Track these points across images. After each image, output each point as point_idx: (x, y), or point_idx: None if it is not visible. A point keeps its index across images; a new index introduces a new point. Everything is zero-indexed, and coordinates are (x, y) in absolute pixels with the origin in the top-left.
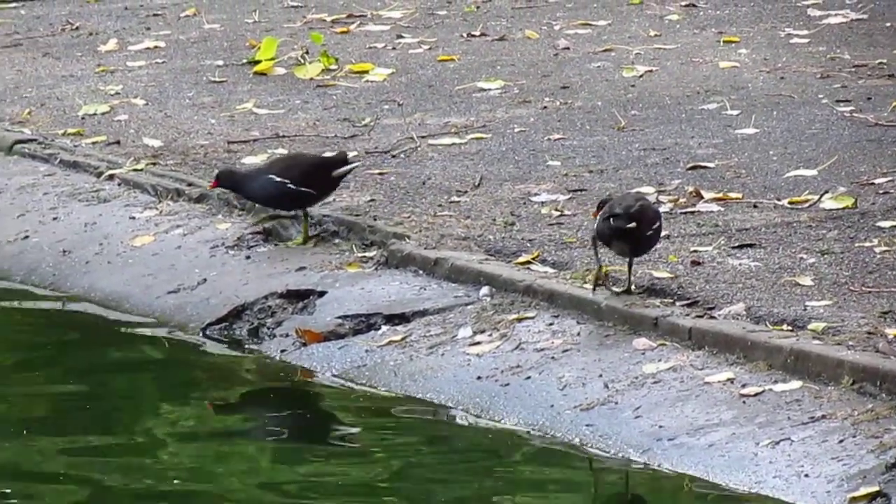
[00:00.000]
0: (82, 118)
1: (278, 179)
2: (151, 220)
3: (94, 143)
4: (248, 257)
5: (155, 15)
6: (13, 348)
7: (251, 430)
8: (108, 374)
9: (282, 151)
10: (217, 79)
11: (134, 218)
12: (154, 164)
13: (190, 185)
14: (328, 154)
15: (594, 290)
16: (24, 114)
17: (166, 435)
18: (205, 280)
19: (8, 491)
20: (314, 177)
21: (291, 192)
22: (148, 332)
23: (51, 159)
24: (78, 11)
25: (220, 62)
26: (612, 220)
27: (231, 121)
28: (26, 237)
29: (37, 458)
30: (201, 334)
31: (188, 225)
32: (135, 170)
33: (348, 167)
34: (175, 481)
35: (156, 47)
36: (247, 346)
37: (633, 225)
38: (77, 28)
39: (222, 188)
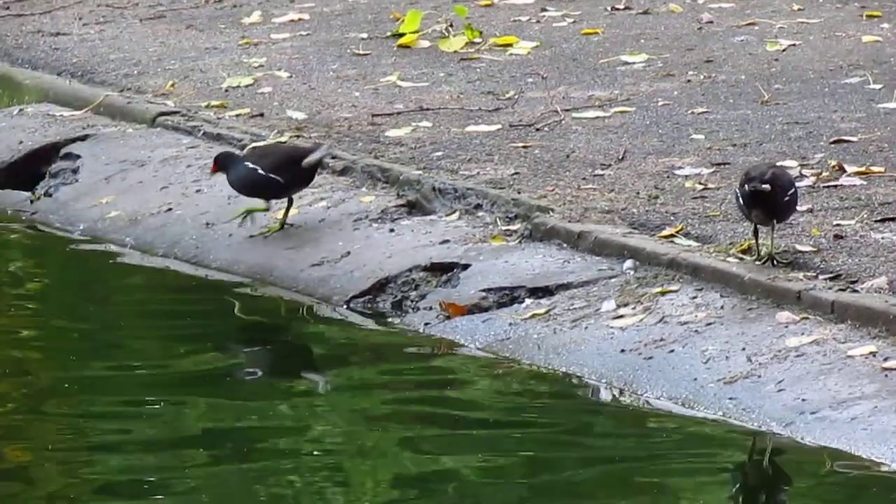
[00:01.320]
0: (226, 90)
1: (251, 166)
2: None
3: (237, 115)
4: (391, 230)
5: None
6: (156, 322)
7: (397, 406)
8: (252, 348)
9: (426, 125)
10: (361, 51)
11: None
12: (298, 136)
13: (334, 157)
14: (302, 144)
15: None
16: (167, 86)
17: (313, 408)
18: (349, 253)
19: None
20: (284, 166)
21: (261, 179)
22: (292, 304)
23: (194, 132)
24: None
25: (365, 35)
26: (746, 185)
27: (375, 93)
28: (169, 210)
29: (182, 432)
30: (345, 307)
31: (332, 198)
32: (278, 142)
33: (317, 155)
34: (315, 453)
35: (300, 20)
36: (390, 318)
37: (767, 186)
38: (221, 0)
39: (220, 172)
